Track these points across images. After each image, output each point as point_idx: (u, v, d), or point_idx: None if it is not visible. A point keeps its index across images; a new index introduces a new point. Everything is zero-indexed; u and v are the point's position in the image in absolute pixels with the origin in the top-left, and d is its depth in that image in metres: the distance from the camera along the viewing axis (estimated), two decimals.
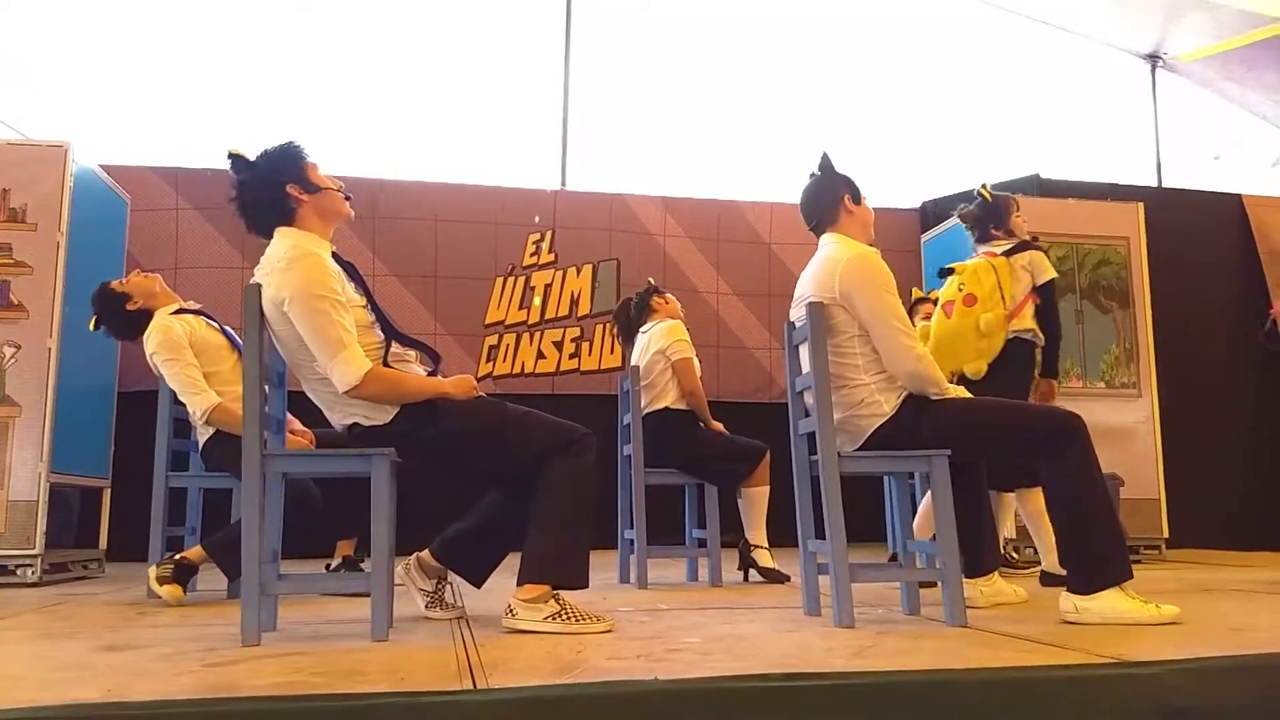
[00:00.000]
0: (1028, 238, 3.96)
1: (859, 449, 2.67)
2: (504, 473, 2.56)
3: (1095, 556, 2.49)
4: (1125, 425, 5.25)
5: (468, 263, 6.05)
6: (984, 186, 4.00)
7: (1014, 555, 4.51)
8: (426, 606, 2.69)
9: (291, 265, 2.37)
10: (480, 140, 6.53)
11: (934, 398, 2.65)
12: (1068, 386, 5.20)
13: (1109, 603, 2.44)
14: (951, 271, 3.81)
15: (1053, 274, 3.84)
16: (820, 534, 2.58)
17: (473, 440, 2.48)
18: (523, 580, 2.40)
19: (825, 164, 2.89)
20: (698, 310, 6.27)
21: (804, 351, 2.68)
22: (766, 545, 3.91)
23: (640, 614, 2.79)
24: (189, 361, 3.34)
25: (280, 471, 2.42)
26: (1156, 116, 7.29)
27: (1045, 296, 3.80)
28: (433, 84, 6.55)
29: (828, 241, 2.84)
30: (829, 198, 2.84)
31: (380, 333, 2.51)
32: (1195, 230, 6.23)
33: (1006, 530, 4.63)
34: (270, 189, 2.47)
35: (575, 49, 6.69)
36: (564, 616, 2.37)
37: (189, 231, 5.68)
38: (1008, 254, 3.81)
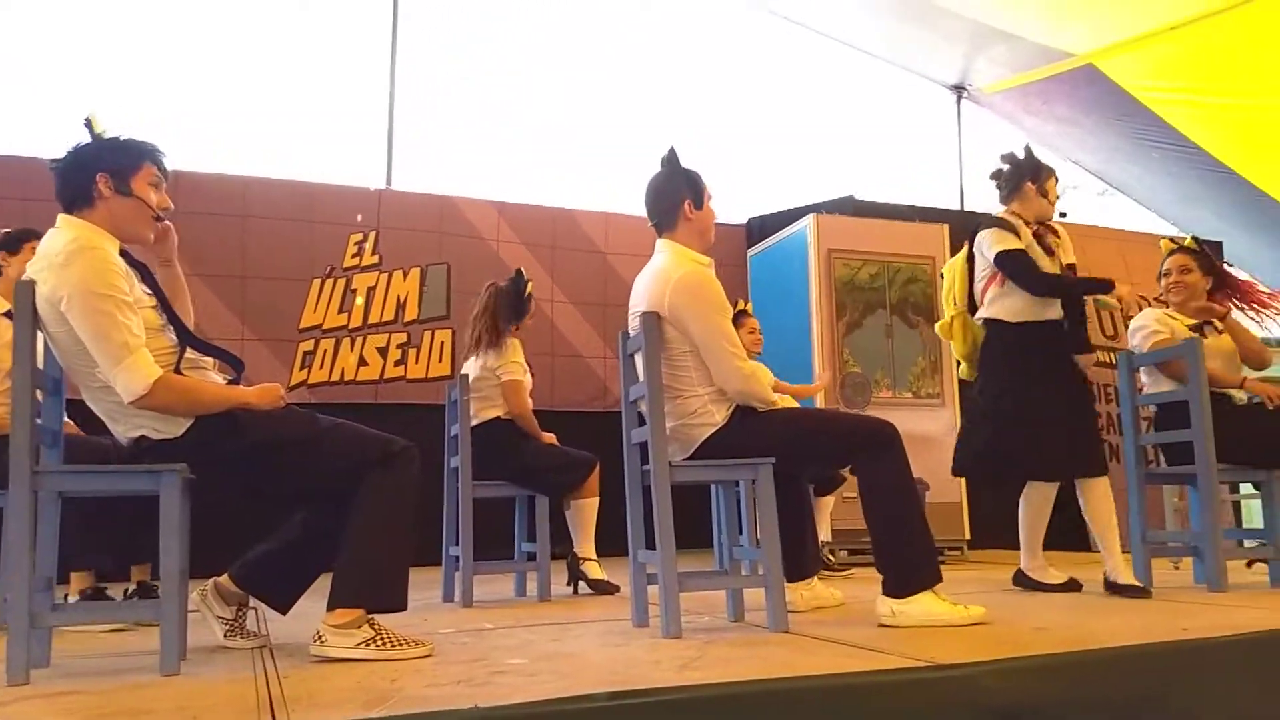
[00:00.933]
0: (1049, 217, 3.58)
1: (689, 458, 2.68)
2: (313, 489, 2.39)
3: (910, 561, 2.59)
4: (930, 434, 5.55)
5: (281, 263, 5.69)
6: (1026, 148, 3.64)
7: (831, 558, 4.67)
8: (225, 635, 2.47)
9: (71, 260, 2.12)
10: (296, 132, 6.18)
11: (761, 410, 2.69)
12: (879, 397, 5.47)
13: (923, 606, 2.53)
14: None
15: (1004, 245, 3.41)
16: (651, 544, 2.56)
17: (278, 454, 2.29)
18: (333, 604, 2.23)
19: (670, 158, 2.82)
20: (532, 318, 6.17)
21: (639, 361, 2.65)
22: (595, 557, 3.87)
23: (464, 635, 2.67)
24: None
25: (55, 490, 2.16)
26: (960, 144, 7.82)
27: (1006, 269, 3.42)
28: (243, 68, 6.15)
29: (661, 249, 2.81)
30: (669, 200, 2.79)
31: (173, 336, 2.29)
32: None
33: (824, 534, 4.80)
34: (85, 168, 2.24)
35: (403, 41, 6.41)
36: (378, 643, 2.22)
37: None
38: (972, 235, 3.60)
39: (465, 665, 2.11)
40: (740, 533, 2.95)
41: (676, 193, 2.78)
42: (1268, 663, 2.11)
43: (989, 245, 3.46)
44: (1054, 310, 3.44)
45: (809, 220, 5.44)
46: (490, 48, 6.79)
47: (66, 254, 2.13)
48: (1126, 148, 7.56)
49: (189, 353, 2.30)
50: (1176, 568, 4.28)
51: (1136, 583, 3.27)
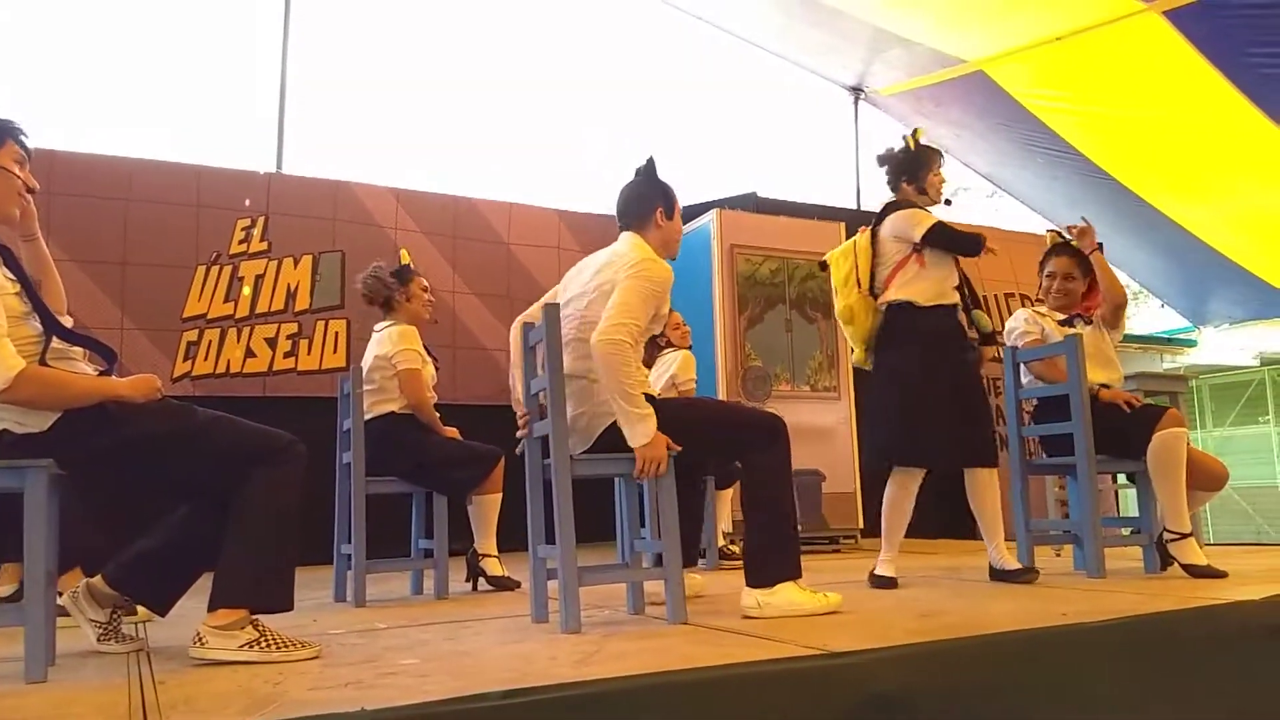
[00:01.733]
0: (942, 201, 3.61)
1: (589, 450, 2.65)
2: (193, 485, 2.27)
3: (782, 553, 2.63)
4: (827, 426, 5.68)
5: (164, 249, 5.41)
6: (915, 131, 3.64)
7: (732, 548, 4.71)
8: (99, 640, 2.32)
9: None
10: (184, 114, 5.90)
11: (657, 400, 2.68)
12: (779, 390, 5.56)
13: (786, 595, 2.58)
14: (826, 265, 3.71)
15: (928, 223, 3.41)
16: (551, 539, 2.52)
17: (153, 449, 2.17)
18: (215, 605, 2.13)
19: (648, 169, 2.88)
20: (433, 309, 6.04)
21: (540, 353, 2.62)
22: (496, 553, 3.80)
23: (354, 636, 2.58)
24: None
25: None
26: (858, 145, 8.00)
27: (941, 243, 3.42)
28: (129, 46, 5.83)
29: (625, 239, 2.81)
30: (643, 204, 2.82)
31: (38, 325, 2.14)
32: None
33: (725, 525, 4.84)
34: None
35: (297, 20, 6.15)
36: (263, 644, 2.12)
37: None
38: (878, 219, 3.57)
39: (354, 667, 2.04)
40: (642, 525, 2.94)
41: (651, 200, 2.83)
42: (1142, 645, 2.21)
43: (911, 226, 3.43)
44: (954, 295, 3.51)
45: (712, 215, 5.48)
46: (388, 30, 6.61)
47: None
48: (1014, 152, 7.86)
49: (56, 342, 2.15)
50: (1058, 555, 4.47)
51: (1020, 564, 3.40)
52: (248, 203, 5.64)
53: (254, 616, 2.15)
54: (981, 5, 6.23)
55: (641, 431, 2.52)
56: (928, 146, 3.64)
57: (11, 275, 2.16)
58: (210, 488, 2.23)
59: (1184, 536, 3.34)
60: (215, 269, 5.54)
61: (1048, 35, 6.23)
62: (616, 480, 3.00)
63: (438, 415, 3.88)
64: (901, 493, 3.55)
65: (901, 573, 3.57)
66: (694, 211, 5.99)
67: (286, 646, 2.14)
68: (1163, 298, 9.47)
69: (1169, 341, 9.78)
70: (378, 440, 3.60)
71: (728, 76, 7.70)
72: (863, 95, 7.97)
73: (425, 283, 4.05)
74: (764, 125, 7.68)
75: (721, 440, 2.77)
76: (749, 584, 2.62)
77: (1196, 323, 9.43)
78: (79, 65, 5.68)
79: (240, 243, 5.62)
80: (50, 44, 5.64)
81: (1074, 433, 3.48)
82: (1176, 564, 3.39)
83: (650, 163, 2.89)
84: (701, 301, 5.46)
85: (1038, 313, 3.80)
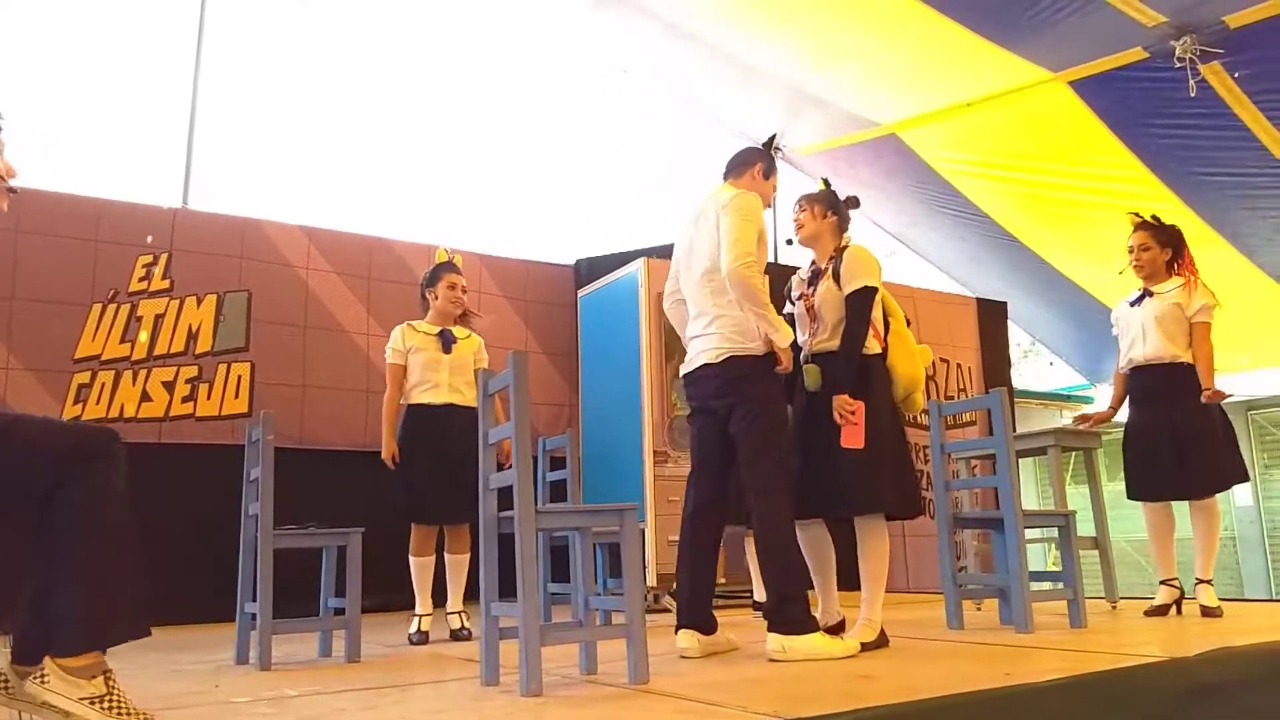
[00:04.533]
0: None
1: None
2: None
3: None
4: None
5: (56, 285, 5.05)
6: (824, 180, 3.63)
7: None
8: None
9: None
10: (83, 143, 5.57)
11: None
12: None
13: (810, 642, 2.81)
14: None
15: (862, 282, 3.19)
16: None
17: None
18: (61, 652, 1.83)
19: (768, 142, 3.79)
20: (345, 351, 5.81)
21: (499, 402, 2.55)
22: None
23: (263, 705, 2.36)
24: None
25: None
26: (775, 200, 8.11)
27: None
28: (26, 69, 5.50)
29: (716, 187, 3.24)
30: (749, 158, 3.31)
31: None
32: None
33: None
34: None
35: (208, 50, 5.92)
36: (104, 705, 1.83)
37: None
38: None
39: None
40: (613, 576, 2.87)
41: (756, 157, 3.32)
42: (1093, 705, 2.18)
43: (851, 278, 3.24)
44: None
45: (640, 264, 5.43)
46: (306, 67, 6.42)
47: None
48: (922, 212, 8.12)
49: None
50: (979, 609, 4.49)
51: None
52: (150, 239, 5.34)
53: (108, 669, 1.87)
54: (896, 71, 6.44)
55: (783, 336, 2.99)
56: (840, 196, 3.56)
57: None
58: (13, 501, 1.91)
59: (1208, 583, 3.90)
60: (112, 307, 5.20)
61: (959, 100, 6.46)
62: (571, 535, 2.86)
63: (396, 413, 4.10)
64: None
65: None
66: (618, 261, 5.95)
67: (130, 715, 1.86)
68: (1062, 355, 9.85)
69: (1067, 398, 10.16)
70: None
71: (651, 132, 7.76)
72: (780, 153, 8.12)
73: (455, 280, 4.24)
74: (684, 178, 7.73)
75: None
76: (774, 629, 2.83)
77: (1093, 380, 9.82)
78: None
79: (140, 280, 5.30)
80: None
81: (999, 486, 3.51)
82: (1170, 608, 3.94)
83: (771, 138, 3.57)
84: (629, 350, 5.39)
85: (1123, 301, 4.28)
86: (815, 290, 3.30)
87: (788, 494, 2.97)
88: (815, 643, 2.79)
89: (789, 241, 3.63)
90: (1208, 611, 3.80)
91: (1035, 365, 10.54)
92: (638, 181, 7.42)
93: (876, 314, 3.26)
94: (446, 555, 3.98)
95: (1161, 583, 4.05)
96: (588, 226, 7.05)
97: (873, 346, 3.23)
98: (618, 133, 7.60)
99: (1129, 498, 4.14)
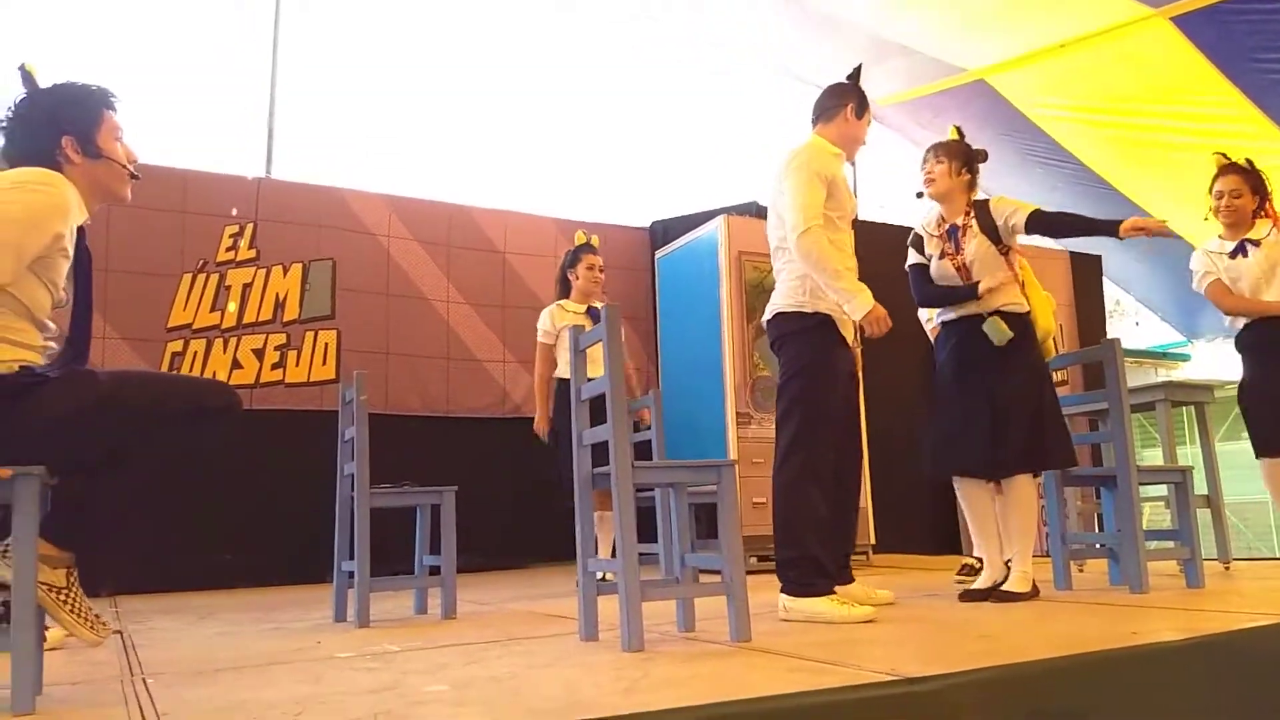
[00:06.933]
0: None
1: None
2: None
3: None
4: None
5: (147, 257, 5.17)
6: (956, 128, 3.52)
7: None
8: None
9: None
10: (168, 116, 5.67)
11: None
12: None
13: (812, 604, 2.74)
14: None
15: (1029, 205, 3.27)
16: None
17: (62, 431, 1.87)
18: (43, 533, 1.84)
19: (854, 73, 3.12)
20: (426, 319, 5.85)
21: (592, 356, 2.53)
22: None
23: (367, 659, 2.37)
24: None
25: None
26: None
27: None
28: (113, 46, 5.60)
29: (803, 140, 3.03)
30: (838, 98, 3.05)
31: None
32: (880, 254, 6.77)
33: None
34: (44, 135, 1.97)
35: (287, 22, 5.94)
36: (60, 597, 1.88)
37: None
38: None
39: (378, 695, 1.84)
40: (712, 536, 2.84)
41: (845, 95, 3.06)
42: (1224, 666, 2.05)
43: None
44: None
45: (719, 222, 5.31)
46: (383, 33, 6.43)
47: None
48: (1012, 161, 7.78)
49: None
50: (1081, 570, 4.30)
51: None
52: (235, 210, 5.42)
53: (72, 567, 1.91)
54: (985, 12, 6.16)
55: (858, 305, 2.80)
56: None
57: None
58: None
59: None
60: (201, 277, 5.31)
61: (1052, 42, 6.15)
62: (664, 493, 2.80)
63: (552, 391, 4.39)
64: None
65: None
66: (694, 221, 5.82)
67: (79, 613, 1.89)
68: (1157, 311, 9.42)
69: (1163, 355, 9.74)
70: None
71: (730, 85, 7.60)
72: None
73: (594, 260, 4.53)
74: (763, 136, 7.56)
75: None
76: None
77: (1190, 336, 9.39)
78: (64, 67, 5.44)
79: (228, 250, 5.40)
80: (35, 46, 5.41)
81: (1114, 441, 3.34)
82: None
83: (857, 68, 3.11)
84: (709, 310, 5.28)
85: (1209, 252, 3.90)
86: (964, 250, 3.25)
87: (809, 462, 2.83)
88: (818, 605, 2.71)
89: (919, 195, 3.47)
90: None
91: (1120, 325, 10.15)
92: (714, 141, 7.28)
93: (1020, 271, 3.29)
94: (597, 514, 4.01)
95: None
96: (662, 189, 6.95)
97: (1024, 303, 3.25)
98: (693, 92, 7.46)
99: (1257, 456, 3.86)
